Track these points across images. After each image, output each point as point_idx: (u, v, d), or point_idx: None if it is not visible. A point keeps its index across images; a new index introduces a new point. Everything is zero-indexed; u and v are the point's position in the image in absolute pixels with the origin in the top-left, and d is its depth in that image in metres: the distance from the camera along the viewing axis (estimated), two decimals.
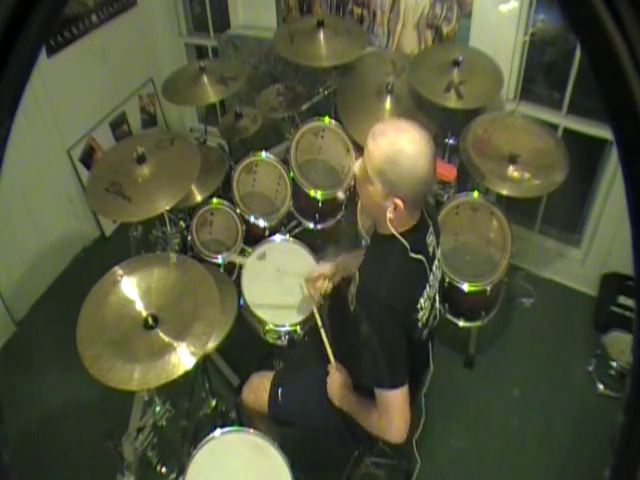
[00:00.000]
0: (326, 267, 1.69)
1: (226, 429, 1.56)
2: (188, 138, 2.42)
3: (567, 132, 2.46)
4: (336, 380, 1.55)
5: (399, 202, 1.24)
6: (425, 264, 1.34)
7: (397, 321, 1.28)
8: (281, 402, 1.65)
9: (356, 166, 1.33)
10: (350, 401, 1.50)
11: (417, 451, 1.61)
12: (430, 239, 1.39)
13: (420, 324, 1.38)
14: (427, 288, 1.38)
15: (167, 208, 1.86)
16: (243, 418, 1.97)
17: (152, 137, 2.09)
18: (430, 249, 1.39)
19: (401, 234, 1.30)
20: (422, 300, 1.36)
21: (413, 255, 1.30)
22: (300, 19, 2.83)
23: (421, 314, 1.37)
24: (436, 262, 1.43)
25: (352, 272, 1.50)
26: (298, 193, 2.33)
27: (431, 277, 1.39)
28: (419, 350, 1.47)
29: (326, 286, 1.67)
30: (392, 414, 1.33)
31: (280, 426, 1.75)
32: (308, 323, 1.90)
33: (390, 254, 1.33)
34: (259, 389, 1.71)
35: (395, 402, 1.32)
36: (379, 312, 1.27)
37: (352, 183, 2.31)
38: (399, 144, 1.21)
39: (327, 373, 1.60)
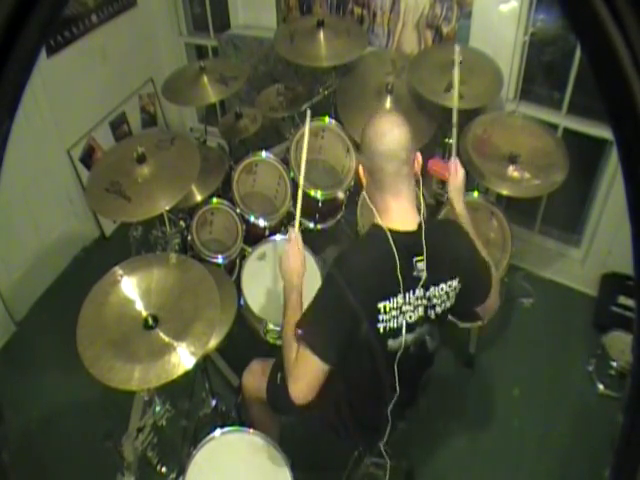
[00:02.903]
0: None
1: (226, 429, 1.56)
2: (187, 137, 2.42)
3: (567, 132, 2.46)
4: (295, 253, 1.50)
5: (361, 168, 1.39)
6: (394, 253, 1.27)
7: (351, 297, 1.26)
8: (280, 386, 1.64)
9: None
10: (295, 309, 1.46)
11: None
12: (419, 266, 1.31)
13: (381, 327, 1.32)
14: (398, 297, 1.31)
15: (167, 208, 1.86)
16: (243, 413, 1.97)
17: (152, 137, 2.09)
18: (414, 273, 1.31)
19: (388, 229, 1.30)
20: (388, 304, 1.30)
21: (386, 231, 1.29)
22: (300, 19, 2.83)
23: (383, 317, 1.31)
24: (420, 293, 1.34)
25: None
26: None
27: (410, 295, 1.32)
28: (379, 358, 1.39)
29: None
30: (300, 372, 1.33)
31: (277, 413, 1.75)
32: None
33: (370, 239, 1.37)
34: (259, 373, 1.71)
35: (307, 364, 1.31)
36: (330, 277, 1.33)
37: (352, 183, 2.32)
38: (373, 119, 1.36)
39: None
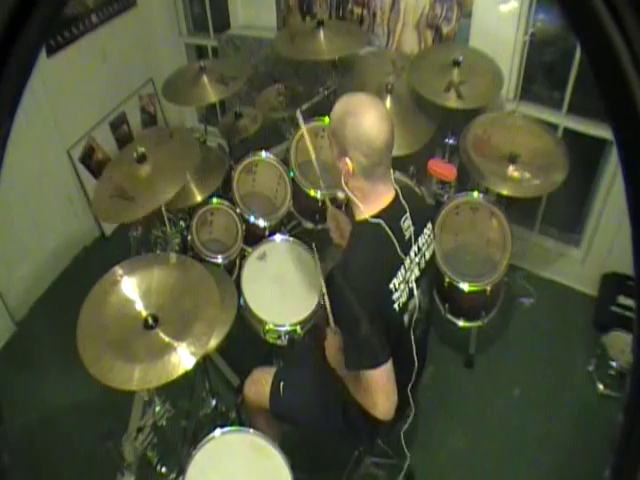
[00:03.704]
0: None
1: (226, 429, 1.56)
2: (186, 130, 2.42)
3: (567, 132, 2.46)
4: (333, 343, 1.55)
5: (348, 161, 1.32)
6: (388, 232, 1.34)
7: (367, 297, 1.28)
8: (283, 396, 1.65)
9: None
10: (343, 370, 1.47)
11: (405, 445, 1.59)
12: (406, 224, 1.40)
13: (396, 306, 1.36)
14: (401, 269, 1.36)
15: (170, 196, 1.84)
16: (244, 414, 1.97)
17: (151, 136, 2.09)
18: (406, 234, 1.39)
19: (372, 216, 1.34)
20: (395, 280, 1.35)
21: (372, 220, 1.34)
22: (300, 23, 2.83)
23: (396, 295, 1.35)
24: (415, 249, 1.42)
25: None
26: (298, 193, 2.33)
27: (407, 261, 1.39)
28: (400, 336, 1.43)
29: None
30: (374, 393, 1.34)
31: (281, 421, 1.76)
32: (308, 323, 1.90)
33: (358, 236, 1.38)
34: (261, 383, 1.71)
35: (373, 381, 1.32)
36: (347, 294, 1.30)
37: None
38: (347, 106, 1.34)
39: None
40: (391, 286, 1.34)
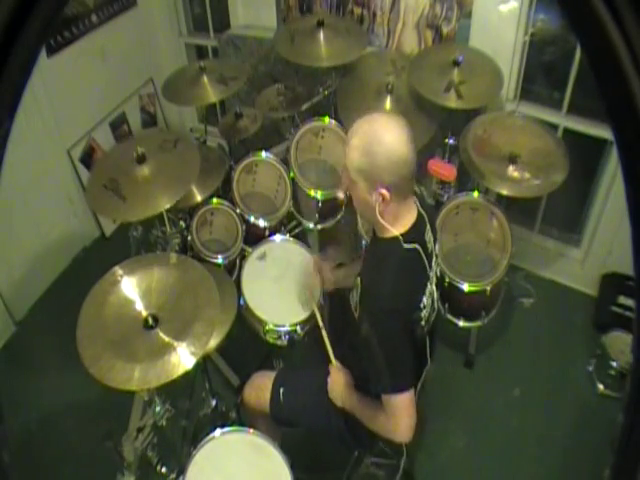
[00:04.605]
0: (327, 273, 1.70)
1: (226, 429, 1.56)
2: (190, 139, 2.42)
3: (567, 132, 2.46)
4: (338, 380, 1.55)
5: (384, 192, 1.24)
6: (422, 255, 1.33)
7: (401, 324, 1.29)
8: (283, 401, 1.66)
9: (342, 186, 1.38)
10: (353, 402, 1.50)
11: (405, 445, 1.60)
12: (428, 236, 1.40)
13: (423, 322, 1.38)
14: (428, 285, 1.38)
15: (166, 207, 1.85)
16: (243, 418, 1.97)
17: (155, 137, 2.08)
18: (429, 246, 1.39)
19: (402, 235, 1.30)
20: (425, 298, 1.36)
21: (407, 246, 1.30)
22: (300, 19, 2.83)
23: (424, 312, 1.37)
24: (434, 259, 1.44)
25: (352, 282, 1.50)
26: (298, 193, 2.33)
27: (431, 274, 1.40)
28: (420, 347, 1.46)
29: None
30: (399, 417, 1.33)
31: (281, 426, 1.75)
32: (308, 323, 1.90)
33: (389, 256, 1.33)
34: (260, 388, 1.71)
35: (402, 405, 1.32)
36: (383, 318, 1.27)
37: None
38: (368, 136, 1.23)
39: (328, 373, 1.59)
40: (421, 305, 1.34)
